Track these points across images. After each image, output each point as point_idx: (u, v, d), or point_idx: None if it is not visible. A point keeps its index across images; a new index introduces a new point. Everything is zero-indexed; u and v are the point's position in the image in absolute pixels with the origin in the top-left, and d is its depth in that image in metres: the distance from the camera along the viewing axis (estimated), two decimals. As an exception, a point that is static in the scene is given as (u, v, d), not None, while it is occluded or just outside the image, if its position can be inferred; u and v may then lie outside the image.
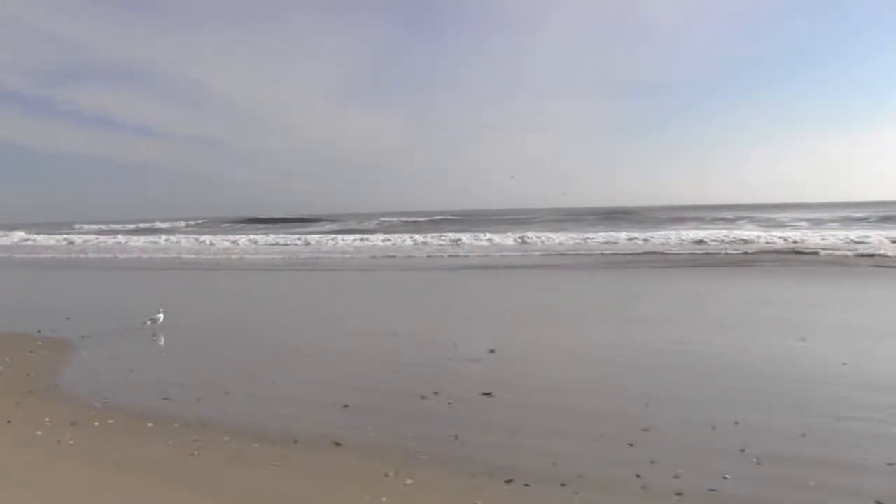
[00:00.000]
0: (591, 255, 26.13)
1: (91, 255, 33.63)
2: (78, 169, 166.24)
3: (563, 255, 26.59)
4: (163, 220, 78.88)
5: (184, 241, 42.89)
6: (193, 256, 31.60)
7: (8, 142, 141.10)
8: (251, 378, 7.84)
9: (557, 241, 32.86)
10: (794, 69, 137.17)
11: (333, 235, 43.13)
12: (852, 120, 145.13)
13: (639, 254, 25.81)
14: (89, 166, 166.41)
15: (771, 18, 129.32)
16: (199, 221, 78.42)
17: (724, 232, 34.55)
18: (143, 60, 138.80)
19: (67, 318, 12.47)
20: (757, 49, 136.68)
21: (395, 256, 28.21)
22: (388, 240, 36.80)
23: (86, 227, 70.68)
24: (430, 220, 69.00)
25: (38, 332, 11.12)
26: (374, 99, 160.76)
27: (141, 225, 71.70)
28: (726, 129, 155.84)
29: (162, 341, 10.55)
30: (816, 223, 46.11)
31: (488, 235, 36.61)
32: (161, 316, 10.96)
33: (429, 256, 27.82)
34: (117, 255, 33.69)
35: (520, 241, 33.54)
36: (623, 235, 33.72)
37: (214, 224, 73.17)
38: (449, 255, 27.88)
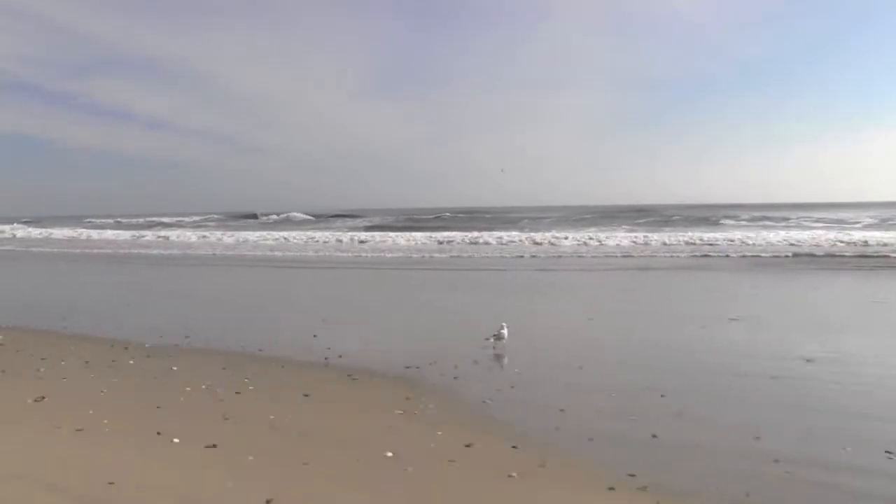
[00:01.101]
0: (714, 256, 24.20)
1: (219, 253, 30.65)
2: (91, 162, 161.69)
3: (709, 256, 24.37)
4: (170, 216, 74.78)
5: (292, 236, 39.78)
6: (317, 254, 29.23)
7: (22, 133, 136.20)
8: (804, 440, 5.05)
9: (661, 240, 30.74)
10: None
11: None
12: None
13: (789, 256, 23.79)
14: (101, 160, 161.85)
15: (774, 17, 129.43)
16: (212, 216, 74.37)
17: (823, 233, 32.98)
18: (159, 56, 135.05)
19: (314, 336, 9.57)
20: (761, 48, 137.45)
21: (535, 256, 25.84)
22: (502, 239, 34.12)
23: (98, 220, 66.17)
24: (438, 216, 65.94)
25: (326, 359, 8.21)
26: (381, 95, 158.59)
27: (150, 219, 67.67)
28: (723, 128, 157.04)
29: (505, 362, 8.13)
30: (886, 222, 44.23)
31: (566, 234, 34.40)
32: (505, 332, 8.61)
33: (580, 256, 25.83)
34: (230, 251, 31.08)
35: (595, 241, 31.49)
36: (708, 236, 32.49)
37: (231, 220, 69.32)
38: (592, 256, 25.99)
